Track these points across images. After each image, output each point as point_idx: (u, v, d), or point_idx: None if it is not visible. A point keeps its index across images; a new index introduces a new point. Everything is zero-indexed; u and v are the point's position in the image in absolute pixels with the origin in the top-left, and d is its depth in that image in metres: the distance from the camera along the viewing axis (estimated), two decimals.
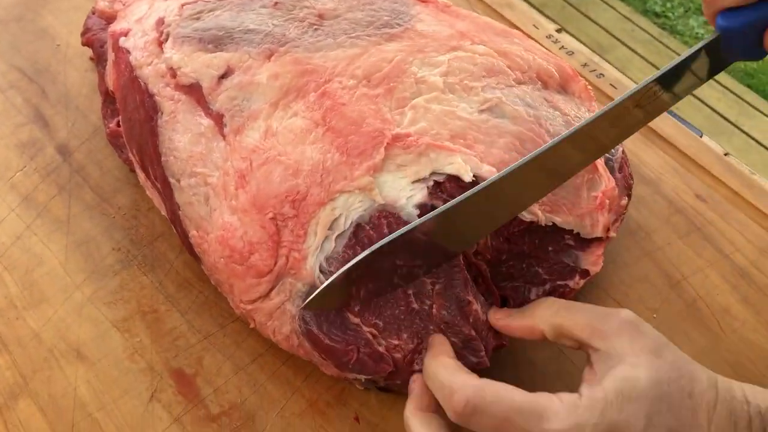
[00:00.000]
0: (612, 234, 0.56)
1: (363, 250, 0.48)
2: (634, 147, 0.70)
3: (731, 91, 2.38)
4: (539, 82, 0.59)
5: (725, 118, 2.33)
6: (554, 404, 0.39)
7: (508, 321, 0.47)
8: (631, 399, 0.38)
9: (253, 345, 0.54)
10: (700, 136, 0.73)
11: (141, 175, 0.59)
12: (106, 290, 0.57)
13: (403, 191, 0.49)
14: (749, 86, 2.41)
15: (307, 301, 0.47)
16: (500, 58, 0.58)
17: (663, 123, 0.72)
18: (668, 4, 2.80)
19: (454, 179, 0.50)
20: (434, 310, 0.48)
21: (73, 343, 0.54)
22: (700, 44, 0.45)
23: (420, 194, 0.49)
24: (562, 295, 0.55)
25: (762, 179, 0.67)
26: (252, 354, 0.54)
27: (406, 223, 0.49)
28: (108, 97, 0.64)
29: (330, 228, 0.48)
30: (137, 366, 0.53)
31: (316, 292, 0.47)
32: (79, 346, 0.54)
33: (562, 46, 0.78)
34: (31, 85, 0.70)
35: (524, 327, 0.46)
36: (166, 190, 0.54)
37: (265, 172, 0.50)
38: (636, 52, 2.57)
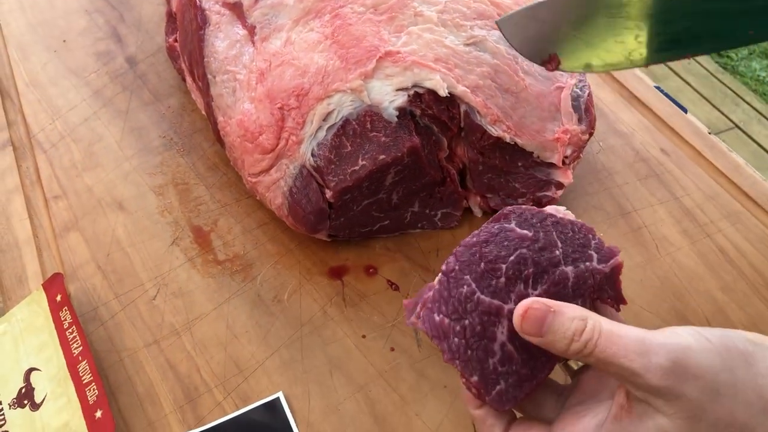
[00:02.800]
0: (567, 162, 0.66)
1: (348, 140, 0.60)
2: (614, 106, 0.80)
3: None
4: None
5: None
6: None
7: None
8: None
9: (261, 216, 0.66)
10: (685, 113, 0.82)
11: (188, 80, 0.73)
12: (149, 164, 0.70)
13: (387, 96, 0.61)
14: None
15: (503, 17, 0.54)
16: (492, 6, 0.69)
17: (644, 90, 0.81)
18: None
19: (432, 93, 0.61)
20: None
21: (117, 197, 0.67)
22: None
23: (401, 100, 0.61)
24: (547, 203, 0.66)
25: (722, 142, 0.76)
26: (259, 222, 0.66)
27: (386, 122, 0.60)
28: (170, 18, 0.78)
29: (324, 120, 0.60)
30: (165, 220, 0.66)
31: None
32: (121, 200, 0.67)
33: None
34: (113, 11, 0.85)
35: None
36: (205, 86, 0.67)
37: (280, 71, 0.62)
38: (689, 84, 2.62)
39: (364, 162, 0.60)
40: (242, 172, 0.64)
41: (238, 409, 0.54)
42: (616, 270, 0.45)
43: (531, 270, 0.43)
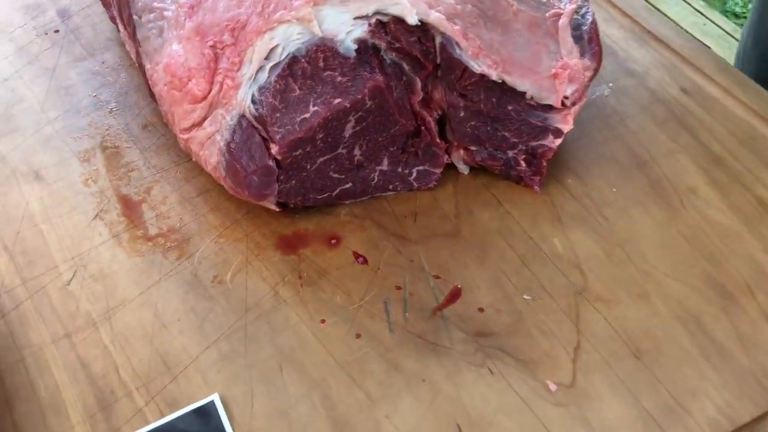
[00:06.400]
0: (568, 103, 0.55)
1: (296, 82, 0.49)
2: (625, 44, 0.68)
3: None
4: None
5: None
6: None
7: None
8: None
9: (203, 182, 0.56)
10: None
11: (120, 28, 0.62)
12: (75, 127, 0.59)
13: (344, 26, 0.50)
14: None
15: None
16: None
17: (659, 24, 0.69)
18: (749, 6, 2.68)
19: (399, 21, 0.50)
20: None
21: (34, 166, 0.57)
22: None
23: (360, 30, 0.50)
24: (543, 156, 0.54)
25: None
26: (199, 189, 0.55)
27: (343, 57, 0.49)
28: None
29: (266, 58, 0.49)
30: (89, 190, 0.55)
31: None
32: (39, 169, 0.56)
33: None
34: None
35: None
36: (132, 30, 0.56)
37: (212, 2, 0.51)
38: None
39: (316, 108, 0.49)
40: (174, 129, 0.53)
41: (162, 416, 0.43)
42: None
43: None
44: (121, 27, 0.62)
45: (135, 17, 0.56)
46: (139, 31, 0.55)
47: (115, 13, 0.62)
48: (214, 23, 0.50)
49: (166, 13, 0.54)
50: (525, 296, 0.49)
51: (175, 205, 0.54)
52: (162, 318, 0.48)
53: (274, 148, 0.49)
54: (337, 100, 0.49)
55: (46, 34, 0.67)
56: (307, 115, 0.49)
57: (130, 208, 0.54)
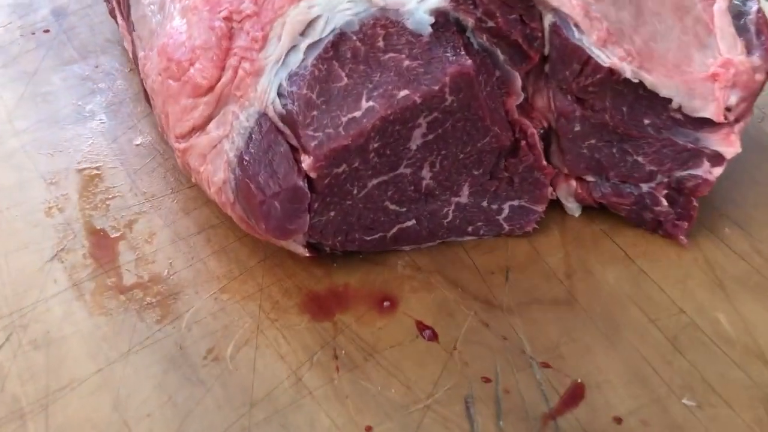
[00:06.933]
0: (731, 117, 0.38)
1: (343, 68, 0.34)
2: None
3: None
4: None
5: None
6: None
7: None
8: None
9: (207, 214, 0.41)
10: None
11: (119, 19, 0.48)
12: (48, 141, 0.46)
13: None
14: None
15: None
16: None
17: None
18: None
19: None
20: None
21: None
22: None
23: None
24: (694, 193, 0.39)
25: None
26: (201, 224, 0.40)
27: (413, 35, 0.34)
28: None
29: (302, 33, 0.34)
30: (51, 221, 0.40)
31: None
32: None
33: None
34: None
35: None
36: (125, 10, 0.43)
37: None
38: None
39: (371, 103, 0.34)
40: (168, 137, 0.38)
41: None
42: None
43: None
44: (119, 16, 0.48)
45: None
46: (135, 9, 0.41)
47: (114, 2, 0.49)
48: None
49: None
50: (685, 401, 0.32)
51: (165, 244, 0.39)
52: (125, 411, 0.32)
53: (308, 162, 0.33)
54: (403, 93, 0.33)
55: (33, 33, 0.55)
56: (357, 114, 0.33)
57: (102, 247, 0.39)
